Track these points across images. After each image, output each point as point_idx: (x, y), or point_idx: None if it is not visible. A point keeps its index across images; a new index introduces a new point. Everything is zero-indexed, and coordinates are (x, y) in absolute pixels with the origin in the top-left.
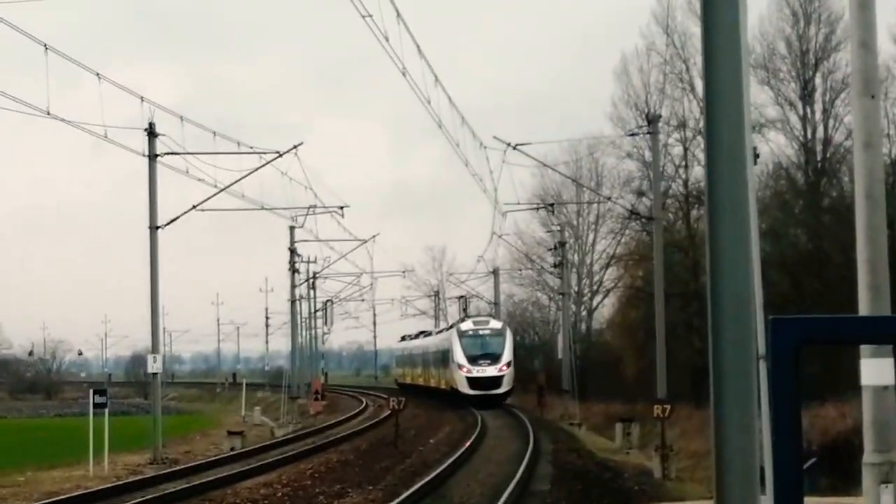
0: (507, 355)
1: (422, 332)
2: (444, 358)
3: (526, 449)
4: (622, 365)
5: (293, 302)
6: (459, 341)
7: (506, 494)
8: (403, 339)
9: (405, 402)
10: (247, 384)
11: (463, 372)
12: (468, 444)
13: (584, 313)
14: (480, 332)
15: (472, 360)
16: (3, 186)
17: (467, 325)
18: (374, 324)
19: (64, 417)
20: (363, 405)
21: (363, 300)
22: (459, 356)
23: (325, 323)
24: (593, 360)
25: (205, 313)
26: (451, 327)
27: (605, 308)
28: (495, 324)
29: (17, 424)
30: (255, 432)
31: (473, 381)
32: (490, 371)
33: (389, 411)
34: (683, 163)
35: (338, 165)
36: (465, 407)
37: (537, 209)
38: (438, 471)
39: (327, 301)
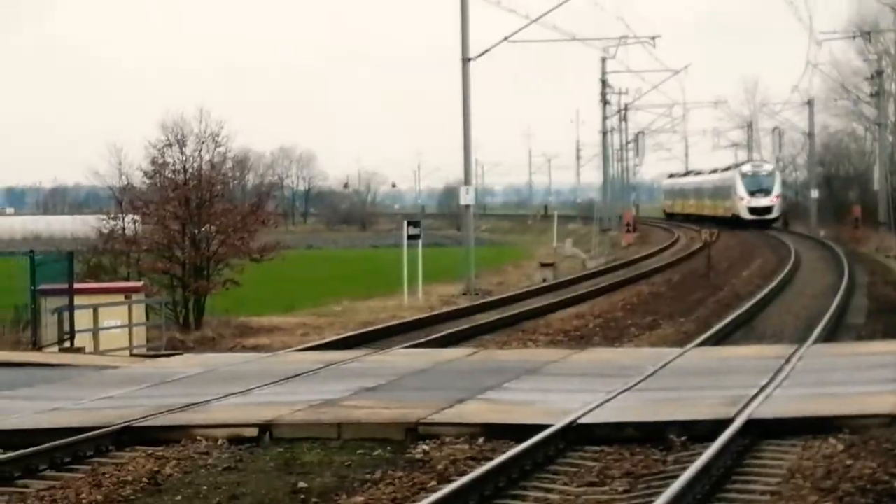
0: (777, 189)
1: (690, 171)
2: (725, 192)
3: (840, 282)
4: None
5: (604, 134)
6: (741, 179)
7: (819, 327)
8: (671, 176)
9: (718, 234)
10: (558, 216)
11: (744, 202)
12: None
13: None
14: (757, 172)
15: (751, 193)
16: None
17: (747, 167)
18: (686, 155)
19: (378, 249)
20: (675, 237)
21: (675, 132)
22: (741, 190)
23: (637, 155)
24: None
25: (516, 145)
26: (727, 169)
27: None
28: (768, 166)
29: (333, 255)
30: (566, 264)
31: (752, 209)
32: (764, 201)
33: (701, 244)
34: None
35: None
36: (768, 237)
37: (853, 38)
38: (751, 303)
39: (638, 133)
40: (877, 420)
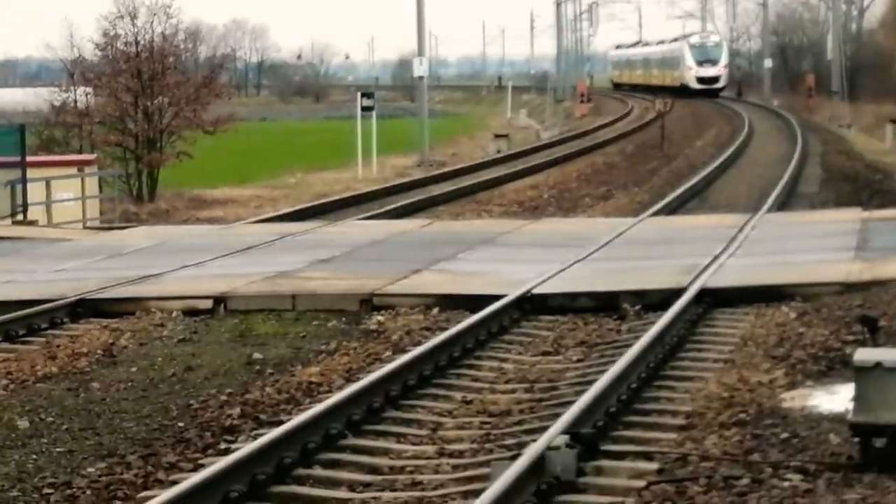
0: (724, 60)
1: (638, 42)
2: (673, 62)
3: (794, 151)
4: (894, 65)
5: (558, 4)
6: (690, 50)
7: (773, 196)
8: (619, 47)
9: (672, 104)
10: (512, 87)
11: (692, 72)
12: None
13: (854, 13)
14: (704, 43)
15: (700, 63)
16: None
17: (695, 39)
18: (640, 26)
19: (332, 121)
20: (628, 108)
21: (629, 2)
22: (690, 60)
23: (591, 25)
24: (864, 60)
25: (470, 16)
26: (675, 40)
27: (878, 6)
28: (715, 37)
29: (286, 127)
30: (520, 135)
31: (700, 79)
32: (712, 71)
33: (655, 114)
34: None
35: None
36: (714, 104)
37: None
38: (705, 173)
39: (592, 3)
40: (829, 288)
